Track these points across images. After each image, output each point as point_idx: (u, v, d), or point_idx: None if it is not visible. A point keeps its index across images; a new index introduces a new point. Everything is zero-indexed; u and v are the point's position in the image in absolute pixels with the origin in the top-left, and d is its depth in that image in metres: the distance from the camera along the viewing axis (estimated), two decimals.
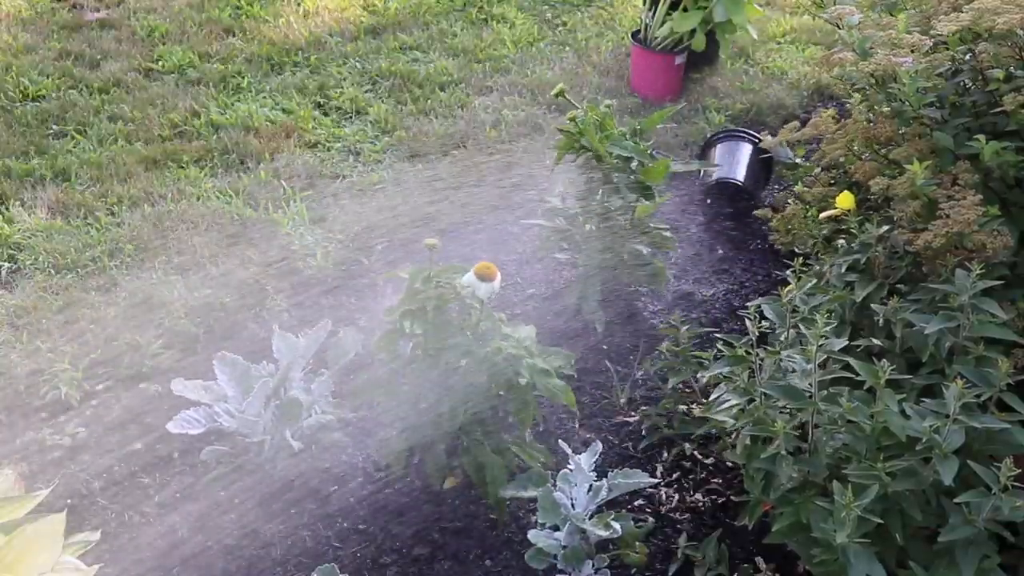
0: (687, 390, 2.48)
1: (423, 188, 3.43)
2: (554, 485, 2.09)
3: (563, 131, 2.62)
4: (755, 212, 2.74)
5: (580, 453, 2.13)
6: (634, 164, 2.60)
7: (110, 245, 3.08)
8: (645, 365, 2.55)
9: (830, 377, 1.79)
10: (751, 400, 1.93)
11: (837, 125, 2.31)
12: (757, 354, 1.93)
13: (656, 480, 2.32)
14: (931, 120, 2.15)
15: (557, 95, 2.69)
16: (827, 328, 1.76)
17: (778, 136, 2.60)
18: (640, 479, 2.12)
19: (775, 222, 2.59)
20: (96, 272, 2.98)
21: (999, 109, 2.03)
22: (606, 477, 2.11)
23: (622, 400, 2.60)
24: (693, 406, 2.47)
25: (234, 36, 4.44)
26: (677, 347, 2.40)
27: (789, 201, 2.68)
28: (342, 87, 4.07)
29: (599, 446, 2.15)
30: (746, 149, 3.38)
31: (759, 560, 2.10)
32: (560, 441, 2.22)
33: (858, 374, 1.75)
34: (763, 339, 1.99)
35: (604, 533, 1.99)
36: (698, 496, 2.34)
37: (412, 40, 4.47)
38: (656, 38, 3.95)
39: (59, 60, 4.15)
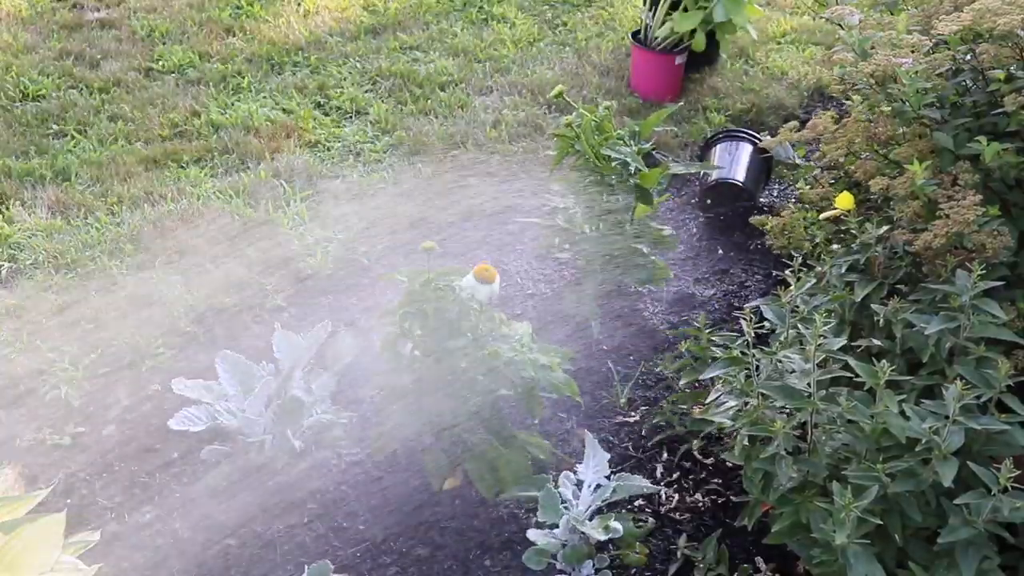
0: (699, 388, 2.46)
1: (423, 188, 3.43)
2: (554, 484, 2.10)
3: (559, 135, 2.61)
4: (751, 220, 2.73)
5: (579, 453, 2.13)
6: (631, 168, 2.60)
7: (110, 245, 3.08)
8: (666, 364, 2.53)
9: (829, 377, 1.79)
10: (748, 401, 1.93)
11: (837, 125, 2.31)
12: (754, 355, 1.93)
13: (658, 488, 2.32)
14: (931, 120, 2.15)
15: (556, 96, 2.69)
16: (825, 328, 1.76)
17: (777, 136, 2.60)
18: (641, 483, 2.13)
19: (771, 227, 2.59)
20: (96, 272, 2.97)
21: (1000, 110, 2.03)
22: (608, 478, 2.11)
23: (622, 400, 2.60)
24: (700, 404, 2.46)
25: (234, 36, 4.44)
26: (698, 348, 2.37)
27: (790, 204, 2.68)
28: (342, 87, 4.07)
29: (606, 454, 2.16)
30: (746, 149, 3.38)
31: (759, 560, 2.10)
32: (585, 431, 2.22)
33: (858, 374, 1.75)
34: (763, 340, 1.99)
35: (603, 536, 1.99)
36: (698, 496, 2.34)
37: (412, 40, 4.47)
38: (656, 38, 3.95)
39: (59, 60, 4.15)
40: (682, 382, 2.38)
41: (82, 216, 3.22)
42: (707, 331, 2.37)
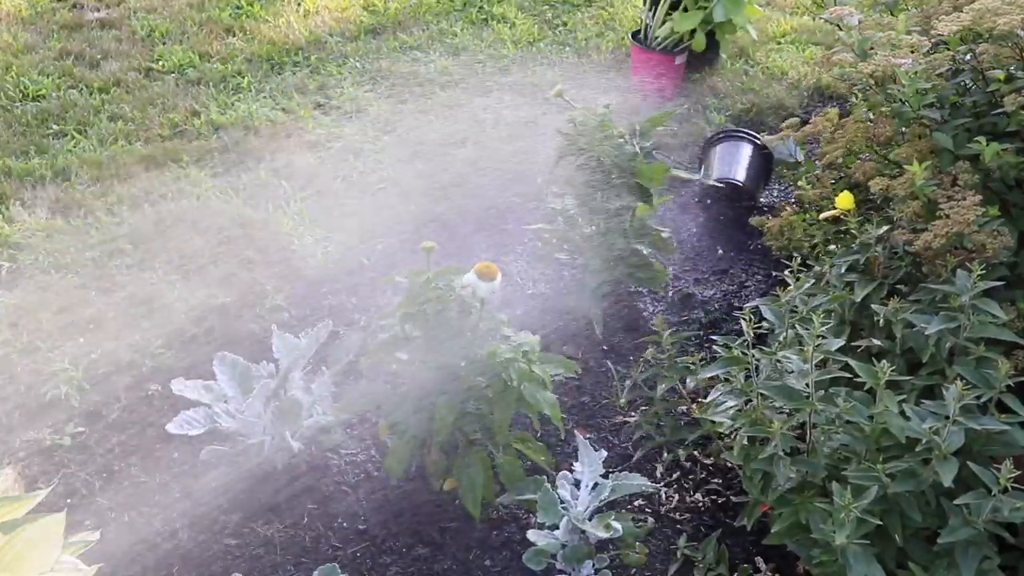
0: (677, 396, 2.45)
1: (423, 188, 3.43)
2: (552, 486, 2.10)
3: (562, 132, 2.61)
4: (750, 221, 2.73)
5: (579, 453, 2.13)
6: (633, 166, 2.60)
7: (110, 245, 3.07)
8: (635, 374, 2.53)
9: (828, 377, 1.79)
10: (748, 401, 1.93)
11: (836, 125, 2.31)
12: (753, 355, 1.93)
13: (657, 487, 2.32)
14: (931, 120, 2.15)
15: (556, 95, 2.69)
16: (824, 328, 1.76)
17: (778, 133, 2.60)
18: (640, 482, 2.13)
19: (770, 227, 2.59)
20: (96, 272, 2.97)
21: (1000, 110, 2.03)
22: (606, 478, 2.11)
23: (622, 400, 2.60)
24: (688, 408, 2.46)
25: (234, 36, 4.44)
26: (663, 354, 2.37)
27: (790, 204, 2.68)
28: (342, 87, 4.07)
29: (603, 453, 2.16)
30: (746, 149, 3.38)
31: (759, 560, 2.10)
32: (576, 431, 2.22)
33: (858, 375, 1.75)
34: (762, 340, 1.99)
35: (604, 534, 1.99)
36: (698, 496, 2.34)
37: (412, 40, 4.47)
38: (656, 38, 3.95)
39: (59, 60, 4.15)
40: (659, 392, 2.37)
41: (82, 216, 3.22)
42: (668, 334, 2.34)
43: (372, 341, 2.24)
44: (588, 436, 2.46)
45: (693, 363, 2.15)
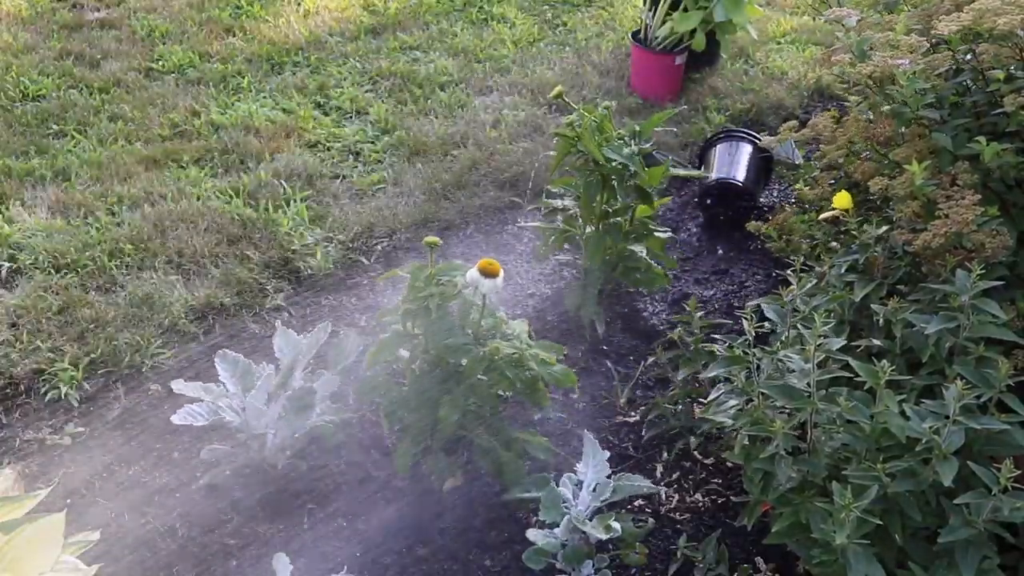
0: (696, 384, 2.46)
1: (422, 187, 3.43)
2: (556, 484, 2.10)
3: (560, 135, 2.61)
4: (747, 226, 2.74)
5: (579, 453, 2.13)
6: (632, 168, 2.60)
7: (110, 245, 3.07)
8: (657, 354, 2.55)
9: (829, 377, 1.79)
10: (749, 400, 1.93)
11: (836, 125, 2.31)
12: (754, 354, 1.93)
13: (659, 489, 2.32)
14: (931, 120, 2.15)
15: (556, 97, 2.68)
16: (825, 328, 1.76)
17: (778, 135, 2.60)
18: (641, 483, 2.13)
19: (766, 230, 2.60)
20: (96, 272, 2.97)
21: (1000, 110, 2.03)
22: (609, 478, 2.12)
23: (622, 400, 2.60)
24: (698, 401, 2.46)
25: (234, 36, 4.44)
26: (690, 337, 2.38)
27: (789, 205, 2.68)
28: (342, 87, 4.07)
29: (606, 453, 2.16)
30: (746, 149, 3.38)
31: (759, 560, 2.10)
32: (585, 431, 2.23)
33: (858, 374, 1.75)
34: (763, 339, 1.99)
35: (604, 535, 1.99)
36: (698, 496, 2.34)
37: (412, 40, 4.47)
38: (656, 38, 3.95)
39: (59, 60, 4.14)
40: (679, 376, 2.38)
41: (82, 216, 3.22)
42: (698, 316, 2.36)
43: (373, 340, 2.24)
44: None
45: (715, 351, 2.14)
